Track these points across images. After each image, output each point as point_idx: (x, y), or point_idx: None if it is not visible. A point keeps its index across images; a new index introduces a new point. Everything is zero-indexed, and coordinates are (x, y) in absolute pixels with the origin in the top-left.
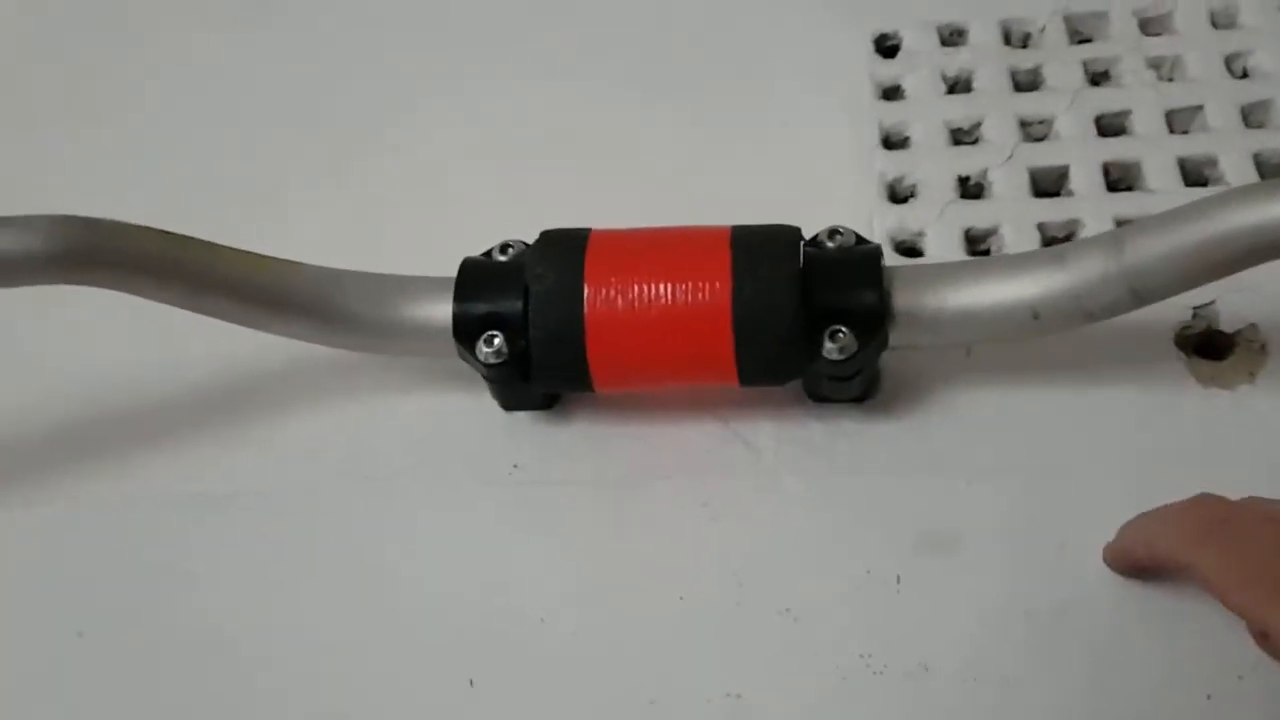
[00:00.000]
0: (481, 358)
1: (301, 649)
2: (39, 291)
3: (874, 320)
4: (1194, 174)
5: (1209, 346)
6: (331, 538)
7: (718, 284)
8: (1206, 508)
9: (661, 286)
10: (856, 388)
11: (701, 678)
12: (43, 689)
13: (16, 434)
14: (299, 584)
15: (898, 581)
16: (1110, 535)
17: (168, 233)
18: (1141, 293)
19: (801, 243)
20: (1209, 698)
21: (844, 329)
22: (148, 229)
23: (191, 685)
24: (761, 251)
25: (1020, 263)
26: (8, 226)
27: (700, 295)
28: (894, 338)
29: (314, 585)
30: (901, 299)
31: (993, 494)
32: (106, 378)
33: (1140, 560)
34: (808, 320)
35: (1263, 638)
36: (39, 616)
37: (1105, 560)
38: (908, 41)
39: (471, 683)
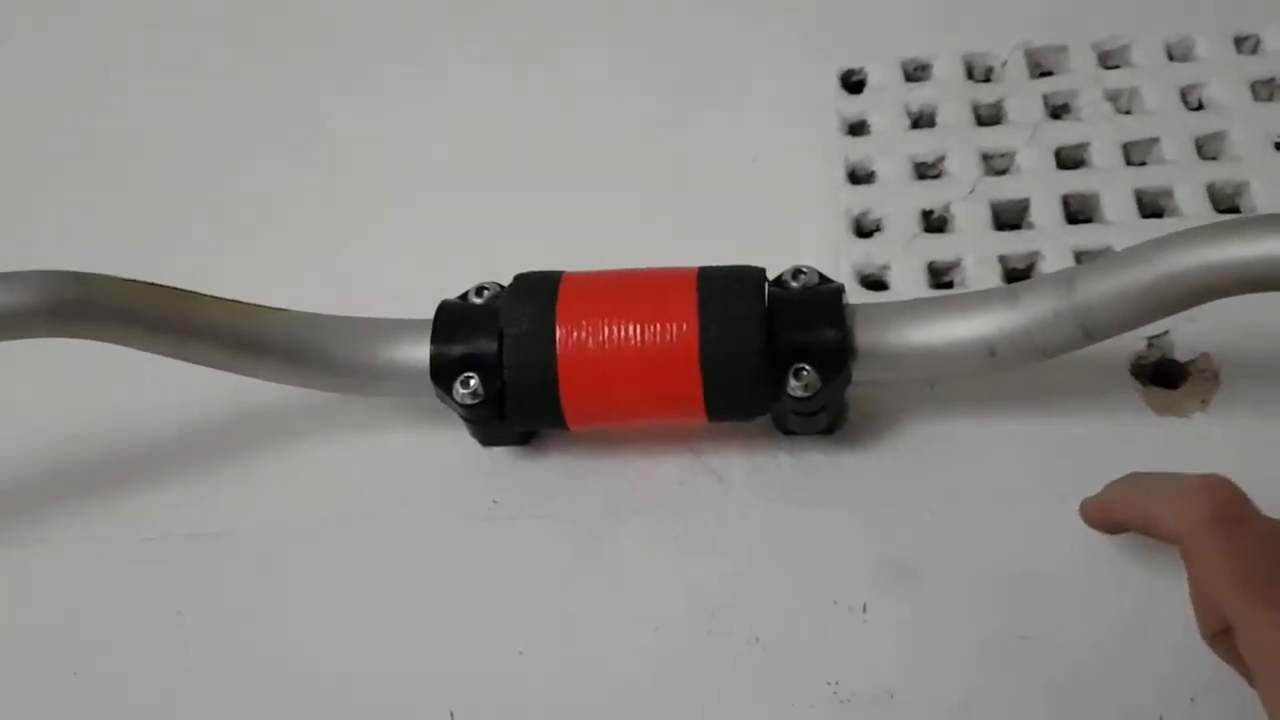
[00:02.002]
0: (458, 399)
1: (286, 684)
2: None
3: (837, 358)
4: (1150, 205)
5: (1163, 375)
6: (314, 574)
7: (684, 325)
8: (1223, 494)
9: (631, 328)
10: (823, 421)
11: (675, 707)
12: None
13: (7, 476)
14: (284, 620)
15: (864, 611)
16: (1072, 563)
17: (152, 284)
18: (1092, 331)
19: (766, 283)
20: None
21: (807, 367)
22: (132, 282)
23: None
24: (727, 292)
25: (976, 301)
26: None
27: (668, 336)
28: (856, 374)
29: (298, 621)
30: (863, 336)
31: (956, 524)
32: (94, 421)
33: (1124, 522)
34: (772, 359)
35: (1217, 638)
36: (34, 656)
37: (1082, 514)
38: (873, 77)
39: (452, 715)
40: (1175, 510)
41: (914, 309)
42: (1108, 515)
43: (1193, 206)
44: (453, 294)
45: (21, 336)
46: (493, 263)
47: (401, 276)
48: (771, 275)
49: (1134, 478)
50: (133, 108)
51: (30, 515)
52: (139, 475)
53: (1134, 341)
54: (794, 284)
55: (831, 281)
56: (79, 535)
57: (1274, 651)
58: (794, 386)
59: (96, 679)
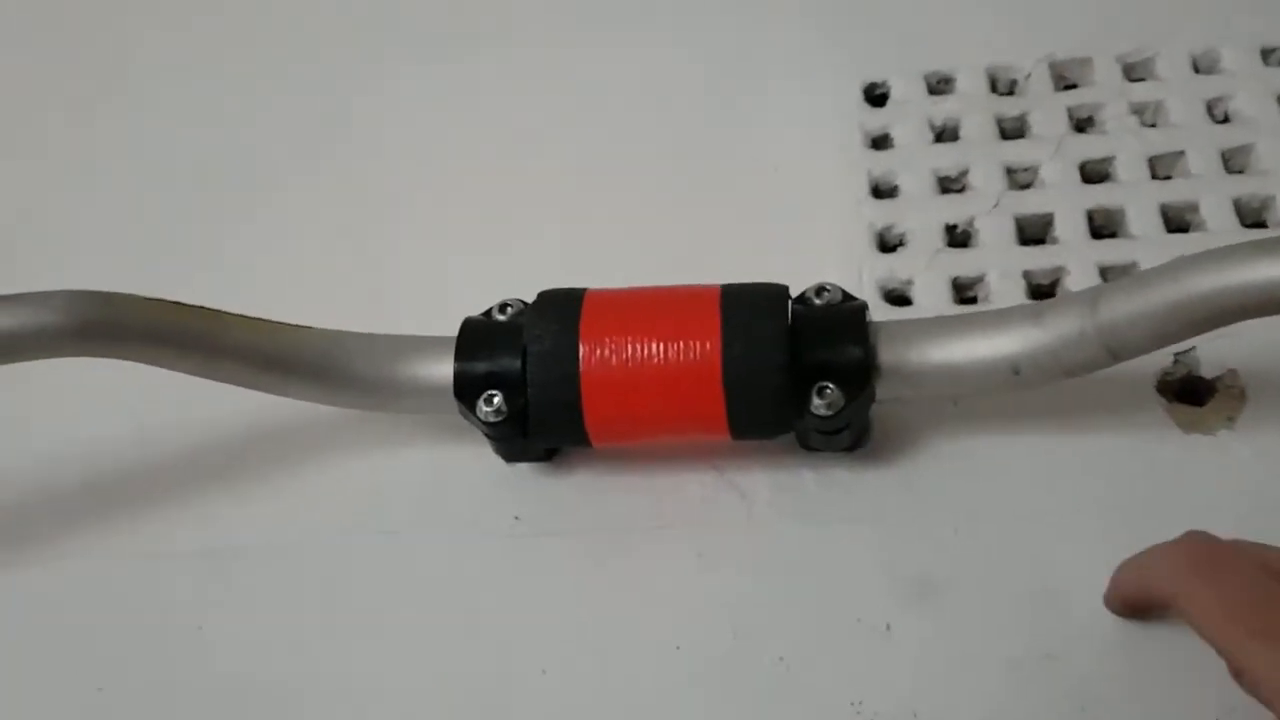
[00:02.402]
0: (481, 416)
1: (307, 701)
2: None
3: (860, 375)
4: (1176, 220)
5: (1189, 392)
6: (336, 590)
7: (708, 343)
8: (1194, 545)
9: (654, 346)
10: (846, 439)
11: None
12: None
13: (36, 494)
14: (305, 637)
15: (888, 629)
16: (1097, 581)
17: (177, 304)
18: (1116, 351)
19: (789, 300)
20: None
21: (831, 385)
22: (157, 301)
23: None
24: (750, 310)
25: (1000, 319)
26: (26, 303)
27: (691, 354)
28: (880, 392)
29: (318, 638)
30: (887, 354)
31: (981, 541)
32: (115, 439)
33: (1133, 598)
34: (796, 377)
35: (1239, 674)
36: (59, 672)
37: (1105, 602)
38: (896, 91)
39: None
40: (1159, 574)
41: (937, 327)
42: (1119, 595)
43: (1219, 221)
44: (476, 311)
45: (48, 356)
46: (515, 280)
47: (424, 293)
48: (795, 291)
49: (1136, 554)
50: (154, 126)
51: (56, 533)
52: (161, 492)
53: (1160, 358)
54: (817, 301)
55: (855, 299)
56: (101, 552)
57: None
58: (817, 405)
59: (120, 694)
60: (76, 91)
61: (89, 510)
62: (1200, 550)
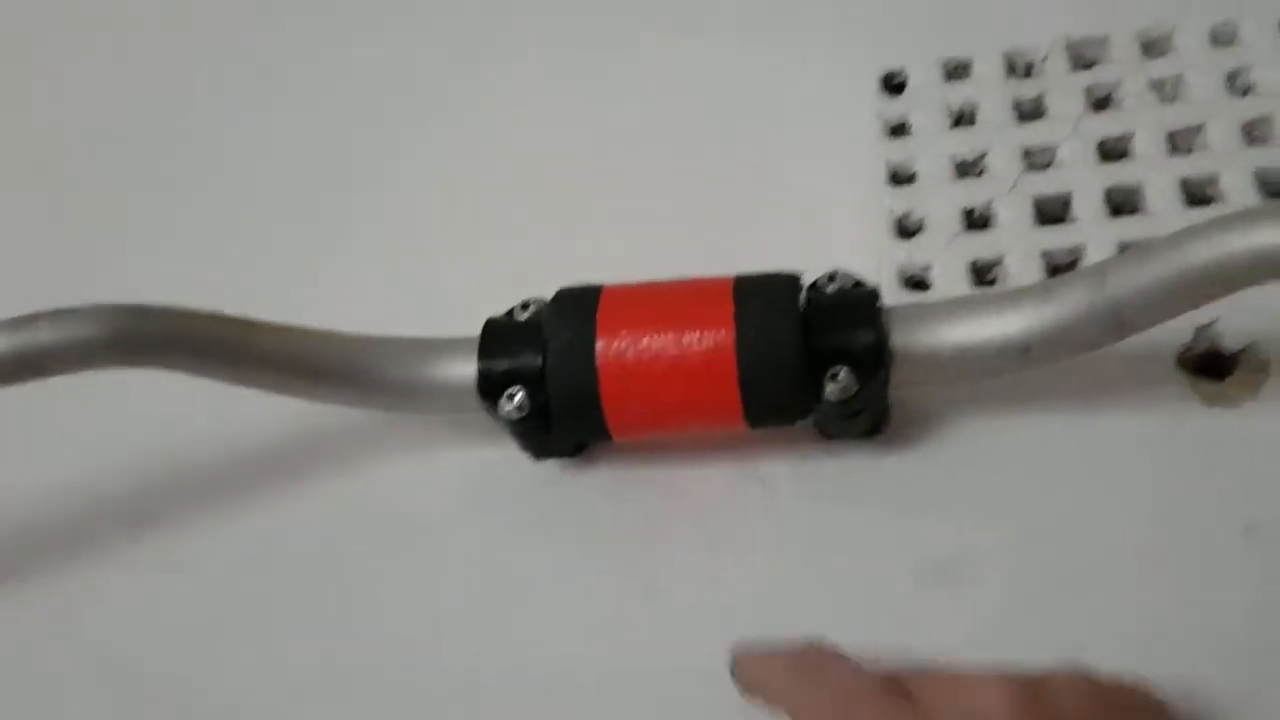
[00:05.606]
0: (504, 413)
1: (349, 703)
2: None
3: (873, 360)
4: (1196, 194)
5: (1212, 366)
6: (374, 592)
7: (722, 332)
8: (801, 652)
9: (669, 338)
10: (864, 424)
11: (726, 717)
12: None
13: (89, 506)
14: (347, 638)
15: (912, 613)
16: (1123, 562)
17: (211, 314)
18: (1128, 323)
19: (801, 288)
20: None
21: (844, 370)
22: (193, 312)
23: None
24: (763, 300)
25: (1010, 299)
26: (69, 318)
27: (705, 344)
28: (894, 376)
29: (361, 638)
30: (900, 338)
31: (1002, 524)
32: (150, 451)
33: (753, 696)
34: (809, 363)
35: None
36: (128, 678)
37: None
38: (914, 78)
39: None
40: (771, 682)
41: (948, 308)
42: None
43: (1239, 192)
44: (498, 311)
45: (86, 369)
46: (536, 279)
47: (448, 296)
48: (811, 280)
49: (743, 654)
50: (169, 135)
51: (99, 543)
52: (202, 501)
53: (1180, 333)
54: (829, 288)
55: (865, 284)
56: (148, 561)
57: None
58: (831, 390)
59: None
60: (118, 104)
61: (134, 521)
62: (804, 657)
